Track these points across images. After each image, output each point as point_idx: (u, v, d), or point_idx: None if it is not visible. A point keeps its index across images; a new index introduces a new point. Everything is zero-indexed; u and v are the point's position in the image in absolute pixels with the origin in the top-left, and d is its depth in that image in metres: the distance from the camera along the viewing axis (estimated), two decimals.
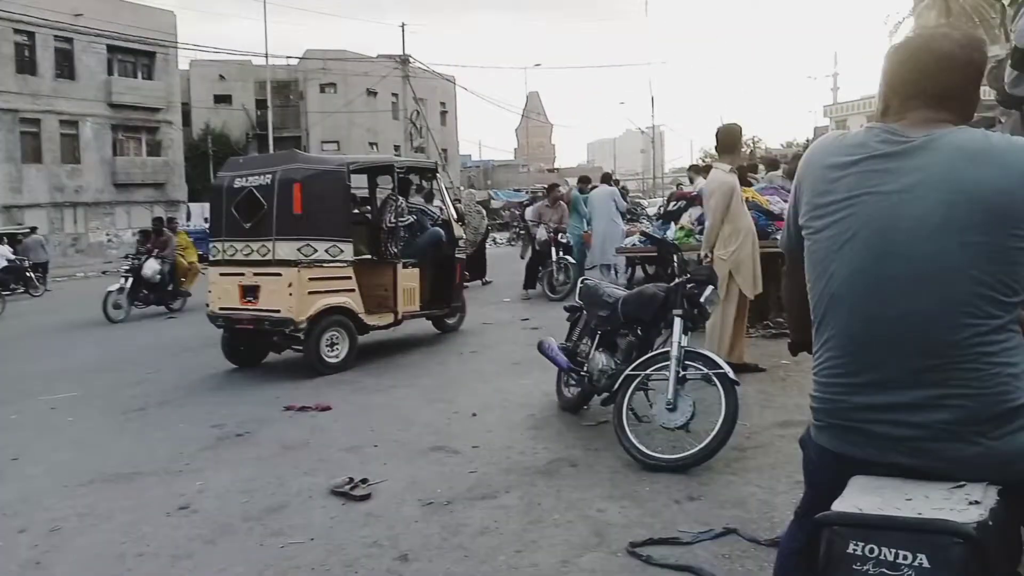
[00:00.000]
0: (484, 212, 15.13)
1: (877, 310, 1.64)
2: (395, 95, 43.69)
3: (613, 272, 11.96)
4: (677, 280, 4.80)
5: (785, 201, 8.89)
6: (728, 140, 6.39)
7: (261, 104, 40.66)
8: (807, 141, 49.23)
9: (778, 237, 7.66)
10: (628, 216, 13.67)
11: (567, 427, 5.29)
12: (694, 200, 8.46)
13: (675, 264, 4.98)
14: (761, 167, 11.94)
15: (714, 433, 4.26)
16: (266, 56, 36.49)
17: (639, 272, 12.18)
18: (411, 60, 37.16)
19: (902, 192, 1.62)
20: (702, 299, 4.69)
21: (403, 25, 36.92)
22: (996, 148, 1.60)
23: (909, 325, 1.61)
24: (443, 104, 52.33)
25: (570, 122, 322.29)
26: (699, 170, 14.92)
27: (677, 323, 4.57)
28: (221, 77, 44.75)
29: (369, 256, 8.41)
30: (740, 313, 6.13)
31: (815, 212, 1.74)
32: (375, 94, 44.41)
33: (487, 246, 15.31)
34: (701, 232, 8.08)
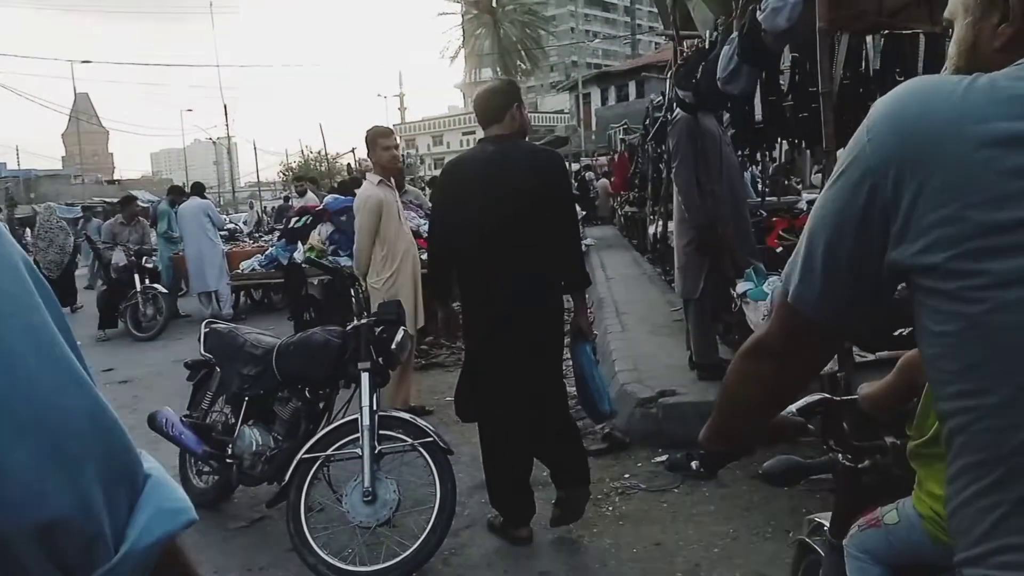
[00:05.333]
0: (69, 230, 12.11)
1: None
2: None
3: (215, 301, 10.17)
4: (357, 322, 3.67)
5: (422, 218, 8.19)
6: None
7: None
8: None
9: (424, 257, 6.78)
10: (227, 233, 11.89)
11: (209, 535, 3.77)
12: (321, 215, 7.32)
13: (354, 300, 3.83)
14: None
15: (431, 525, 3.23)
16: None
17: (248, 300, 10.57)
18: None
19: None
20: (393, 345, 3.63)
21: None
22: None
23: None
24: None
25: (130, 128, 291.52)
26: (303, 180, 13.78)
27: (365, 380, 3.43)
28: None
29: None
30: (409, 353, 5.18)
31: (980, 241, 0.81)
32: None
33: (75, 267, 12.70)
34: (334, 252, 7.03)
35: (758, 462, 1.61)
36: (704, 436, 1.34)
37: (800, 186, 11.33)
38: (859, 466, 1.66)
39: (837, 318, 0.98)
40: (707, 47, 4.50)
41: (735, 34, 3.96)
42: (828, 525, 1.83)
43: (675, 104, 5.14)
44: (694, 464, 1.47)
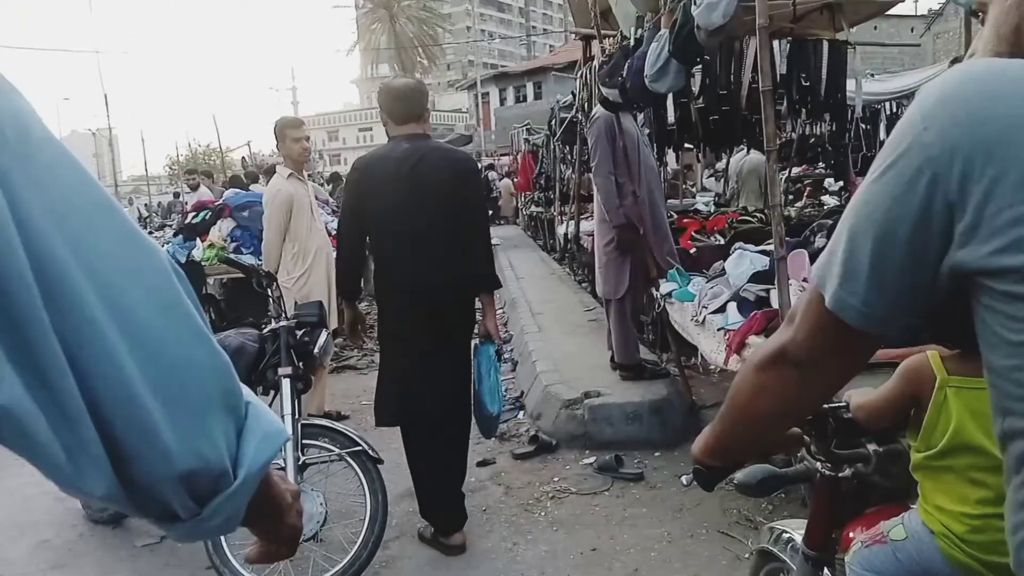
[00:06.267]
0: None
1: None
2: None
3: None
4: (276, 324, 3.42)
5: (331, 215, 7.91)
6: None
7: None
8: (272, 152, 48.49)
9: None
10: None
11: (116, 552, 3.46)
12: (221, 210, 6.92)
13: (272, 300, 3.58)
14: (262, 177, 10.78)
15: (361, 539, 3.05)
16: None
17: None
18: None
19: None
20: (316, 349, 3.42)
21: None
22: None
23: None
24: None
25: None
26: (195, 173, 13.08)
27: (286, 387, 3.21)
28: None
29: None
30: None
31: None
32: None
33: None
34: (236, 250, 6.65)
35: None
36: (699, 450, 1.24)
37: (694, 189, 11.63)
38: (839, 475, 1.62)
39: (882, 324, 0.88)
40: (632, 44, 4.47)
41: (664, 31, 3.93)
42: (800, 535, 1.78)
43: (584, 103, 5.06)
44: (684, 479, 1.37)
